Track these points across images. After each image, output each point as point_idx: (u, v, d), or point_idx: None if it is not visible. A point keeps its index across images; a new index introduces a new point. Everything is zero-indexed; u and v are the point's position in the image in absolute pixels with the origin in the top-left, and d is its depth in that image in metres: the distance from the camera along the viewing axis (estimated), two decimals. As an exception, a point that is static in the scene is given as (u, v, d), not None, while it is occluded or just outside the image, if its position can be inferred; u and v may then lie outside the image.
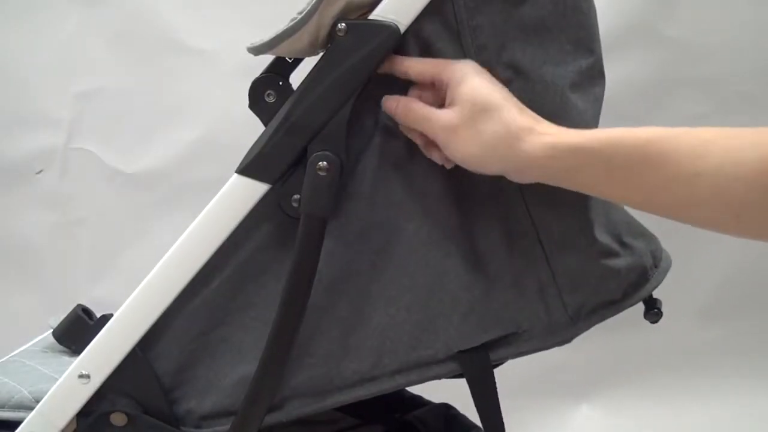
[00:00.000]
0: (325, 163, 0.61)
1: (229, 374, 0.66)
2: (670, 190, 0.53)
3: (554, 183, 0.59)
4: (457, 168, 0.64)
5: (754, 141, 0.50)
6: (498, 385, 0.67)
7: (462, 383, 0.67)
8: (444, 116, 0.59)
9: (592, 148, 0.56)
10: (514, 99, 0.59)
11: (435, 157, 0.63)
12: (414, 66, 0.61)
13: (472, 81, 0.59)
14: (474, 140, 0.58)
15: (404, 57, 0.62)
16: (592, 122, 0.66)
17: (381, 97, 0.63)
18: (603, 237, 0.66)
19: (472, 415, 0.84)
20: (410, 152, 0.64)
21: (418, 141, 0.63)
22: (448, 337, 0.65)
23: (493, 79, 0.60)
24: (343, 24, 0.60)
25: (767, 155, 0.49)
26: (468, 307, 0.65)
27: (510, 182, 0.64)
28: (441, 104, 0.61)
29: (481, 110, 0.58)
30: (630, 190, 0.56)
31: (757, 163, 0.49)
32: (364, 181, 0.64)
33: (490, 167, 0.60)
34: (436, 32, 0.62)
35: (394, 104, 0.62)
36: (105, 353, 0.65)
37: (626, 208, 0.72)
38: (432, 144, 0.62)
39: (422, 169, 0.64)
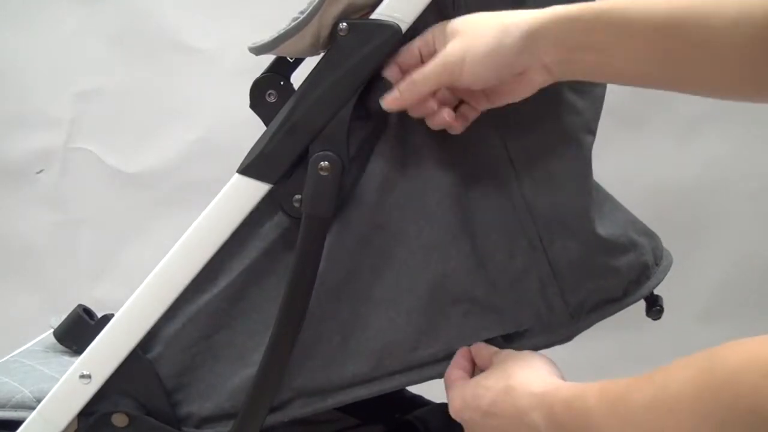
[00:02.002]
0: (326, 163, 0.61)
1: (231, 377, 0.66)
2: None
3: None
4: (457, 170, 0.64)
5: None
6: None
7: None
8: (444, 57, 0.58)
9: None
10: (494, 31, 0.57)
11: (445, 117, 0.61)
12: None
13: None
14: (479, 58, 0.56)
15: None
16: (591, 122, 0.66)
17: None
18: (604, 235, 0.66)
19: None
20: (412, 155, 0.64)
21: (429, 108, 0.61)
22: (449, 337, 0.65)
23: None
24: (345, 24, 0.60)
25: None
26: (469, 307, 0.65)
27: (510, 183, 0.64)
28: None
29: (477, 26, 0.57)
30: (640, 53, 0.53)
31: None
32: (366, 185, 0.64)
33: (499, 74, 0.58)
34: None
35: (396, 93, 0.60)
36: (106, 353, 0.65)
37: (627, 208, 0.72)
38: (442, 105, 0.61)
39: (423, 172, 0.64)
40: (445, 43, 0.58)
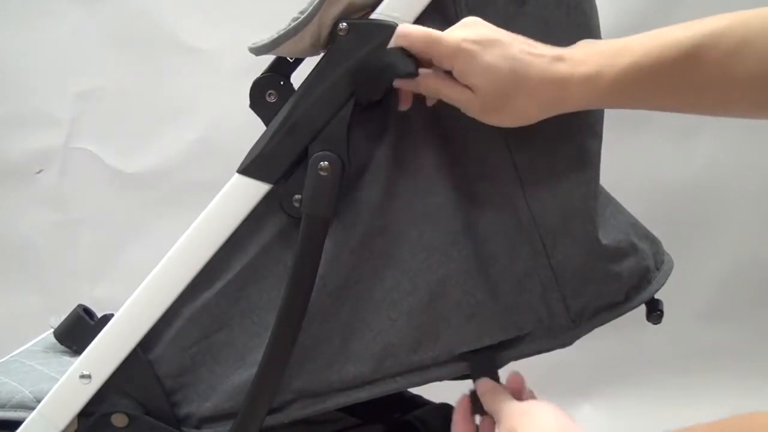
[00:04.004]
0: (326, 163, 0.61)
1: (230, 378, 0.66)
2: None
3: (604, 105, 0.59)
4: (460, 173, 0.63)
5: None
6: (499, 384, 0.67)
7: (462, 384, 0.67)
8: (471, 102, 0.58)
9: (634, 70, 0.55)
10: (520, 44, 0.57)
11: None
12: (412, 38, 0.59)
13: (478, 63, 0.57)
14: (509, 114, 0.58)
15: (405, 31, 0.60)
16: (596, 124, 0.66)
17: (383, 103, 0.63)
18: (606, 240, 0.66)
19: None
20: (414, 157, 0.64)
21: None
22: (450, 341, 0.65)
23: (488, 32, 0.58)
24: (345, 23, 0.60)
25: None
26: (470, 311, 0.65)
27: (513, 187, 0.64)
28: None
29: (504, 90, 0.57)
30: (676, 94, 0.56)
31: None
32: (367, 187, 0.64)
33: (534, 120, 0.59)
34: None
35: (422, 86, 0.60)
36: (106, 353, 0.65)
37: (627, 208, 0.72)
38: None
39: (425, 175, 0.64)
40: (470, 84, 0.58)
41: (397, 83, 0.61)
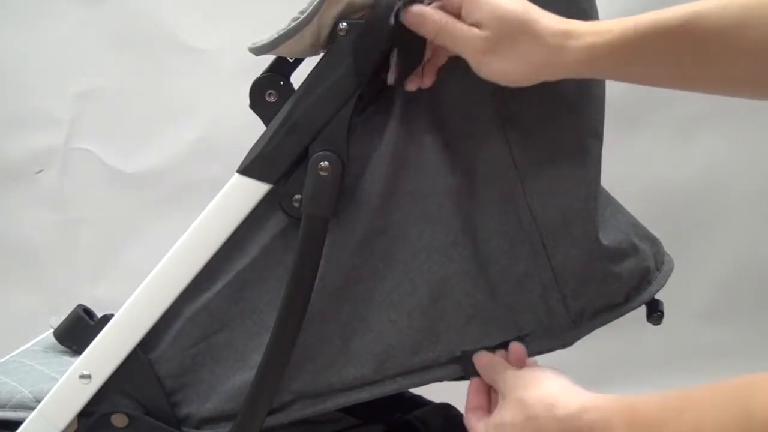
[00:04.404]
0: (326, 163, 0.61)
1: (230, 379, 0.66)
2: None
3: (598, 76, 0.59)
4: (461, 173, 0.63)
5: None
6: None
7: (462, 384, 0.67)
8: (474, 39, 0.57)
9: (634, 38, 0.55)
10: (533, 5, 0.58)
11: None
12: None
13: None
14: (509, 59, 0.57)
15: None
16: (597, 125, 0.66)
17: (384, 102, 0.63)
18: (607, 240, 0.66)
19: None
20: (414, 157, 0.64)
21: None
22: (450, 341, 0.65)
23: None
24: (345, 23, 0.60)
25: None
26: (470, 312, 0.65)
27: (514, 187, 0.64)
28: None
29: (510, 29, 0.56)
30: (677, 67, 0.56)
31: None
32: (368, 187, 0.63)
33: (529, 80, 0.59)
34: None
35: (429, 20, 0.59)
36: (106, 353, 0.65)
37: (627, 209, 0.72)
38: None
39: (425, 175, 0.64)
40: (475, 20, 0.57)
41: (405, 18, 0.59)
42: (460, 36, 0.58)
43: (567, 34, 0.56)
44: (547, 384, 0.56)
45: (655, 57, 0.56)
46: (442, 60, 0.62)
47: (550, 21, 0.57)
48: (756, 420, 0.38)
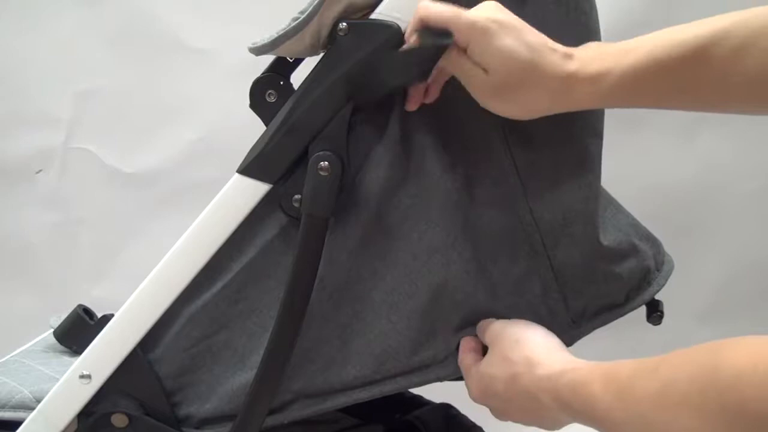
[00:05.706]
0: (326, 163, 0.61)
1: (230, 380, 0.66)
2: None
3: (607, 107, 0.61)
4: (461, 174, 0.63)
5: None
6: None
7: (462, 384, 0.67)
8: (479, 82, 0.58)
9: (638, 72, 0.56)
10: (536, 35, 0.57)
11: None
12: (431, 16, 0.58)
13: (496, 43, 0.56)
14: (514, 103, 0.58)
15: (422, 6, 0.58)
16: (597, 123, 0.66)
17: (383, 102, 0.63)
18: (607, 240, 0.66)
19: (473, 415, 0.84)
20: (414, 158, 0.64)
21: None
22: (450, 341, 0.65)
23: (508, 17, 0.57)
24: (345, 24, 0.60)
25: None
26: (470, 312, 0.65)
27: (514, 187, 0.64)
28: None
29: (516, 78, 0.57)
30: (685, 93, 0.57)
31: None
32: (368, 187, 0.63)
33: (533, 117, 0.60)
34: None
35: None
36: (106, 353, 0.65)
37: (627, 209, 0.72)
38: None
39: (426, 176, 0.64)
40: (483, 63, 0.57)
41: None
42: (465, 74, 0.59)
43: (572, 79, 0.57)
44: (533, 344, 0.60)
45: (659, 94, 0.57)
46: (447, 77, 0.62)
47: (555, 64, 0.57)
48: (722, 370, 0.40)
